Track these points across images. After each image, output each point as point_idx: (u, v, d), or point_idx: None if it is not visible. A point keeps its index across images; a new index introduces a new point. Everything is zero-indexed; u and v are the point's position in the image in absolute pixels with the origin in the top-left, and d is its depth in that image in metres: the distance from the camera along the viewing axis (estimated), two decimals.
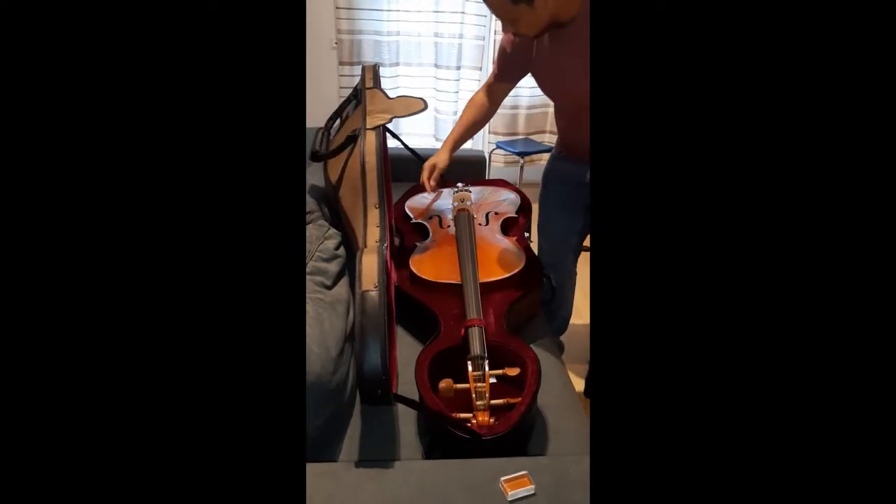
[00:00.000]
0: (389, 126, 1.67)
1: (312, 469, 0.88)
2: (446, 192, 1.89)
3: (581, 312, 2.19)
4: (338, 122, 1.81)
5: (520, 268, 1.44)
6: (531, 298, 1.46)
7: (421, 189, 1.92)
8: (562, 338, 1.88)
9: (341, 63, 3.35)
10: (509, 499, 0.85)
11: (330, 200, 1.60)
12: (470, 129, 1.73)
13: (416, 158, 1.93)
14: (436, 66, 3.46)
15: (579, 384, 1.48)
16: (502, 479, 0.87)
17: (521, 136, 3.66)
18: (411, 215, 1.76)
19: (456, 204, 1.75)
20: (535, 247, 1.72)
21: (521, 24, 1.33)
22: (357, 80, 1.87)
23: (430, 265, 1.48)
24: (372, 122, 1.49)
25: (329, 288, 1.29)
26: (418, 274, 1.44)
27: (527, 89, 3.51)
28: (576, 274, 1.83)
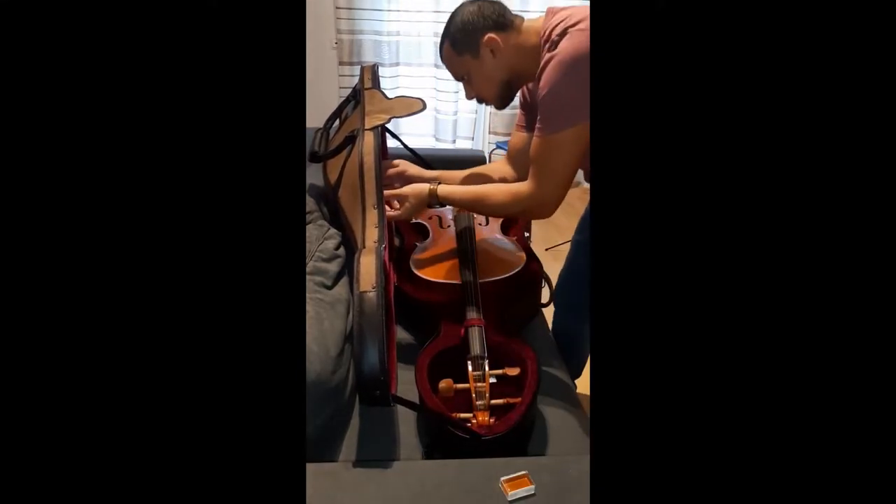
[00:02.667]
0: (389, 126, 1.67)
1: (312, 469, 0.87)
2: None
3: None
4: (337, 122, 1.81)
5: (520, 268, 1.44)
6: (531, 298, 1.46)
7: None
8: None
9: (341, 63, 3.34)
10: (509, 499, 0.85)
11: (329, 201, 1.60)
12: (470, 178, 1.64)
13: (417, 158, 1.93)
14: (436, 66, 3.45)
15: (580, 384, 1.48)
16: (502, 479, 0.87)
17: None
18: None
19: None
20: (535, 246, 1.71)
21: (475, 80, 1.31)
22: (357, 80, 1.87)
23: (430, 265, 1.48)
24: (370, 122, 1.48)
25: (329, 288, 1.29)
26: (418, 274, 1.44)
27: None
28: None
